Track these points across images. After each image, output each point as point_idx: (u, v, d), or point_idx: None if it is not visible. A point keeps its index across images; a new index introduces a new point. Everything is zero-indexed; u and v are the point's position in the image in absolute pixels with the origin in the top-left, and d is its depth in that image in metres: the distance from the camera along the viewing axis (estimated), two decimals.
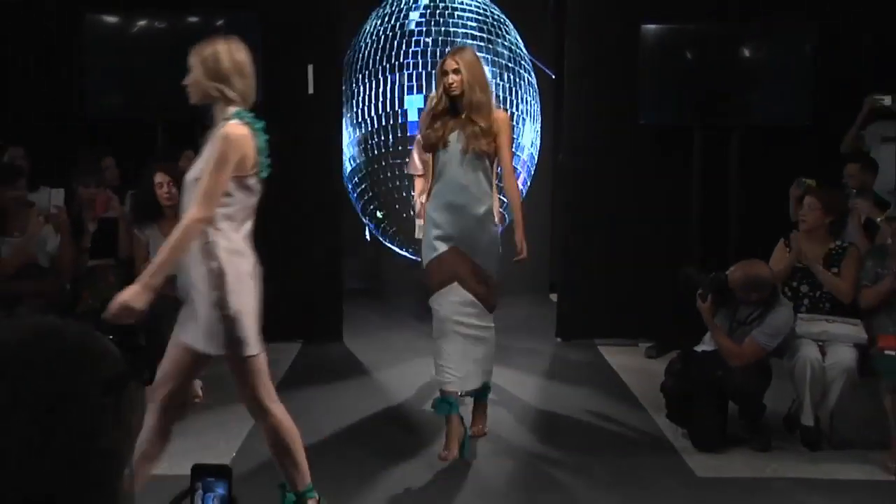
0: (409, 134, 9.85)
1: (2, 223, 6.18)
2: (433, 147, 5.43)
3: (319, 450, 5.28)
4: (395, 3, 9.73)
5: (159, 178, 6.39)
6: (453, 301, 5.37)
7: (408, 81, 9.40)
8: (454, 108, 5.36)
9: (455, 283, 5.35)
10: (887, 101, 7.20)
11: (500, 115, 5.57)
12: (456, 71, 5.28)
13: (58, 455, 1.35)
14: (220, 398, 6.38)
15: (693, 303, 5.80)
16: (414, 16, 9.70)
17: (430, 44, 9.37)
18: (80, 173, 6.96)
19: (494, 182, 5.62)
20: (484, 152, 5.32)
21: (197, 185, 3.90)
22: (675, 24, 7.66)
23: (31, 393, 1.35)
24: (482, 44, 9.19)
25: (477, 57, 5.56)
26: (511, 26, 9.61)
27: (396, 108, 9.42)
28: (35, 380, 1.36)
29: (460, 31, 9.47)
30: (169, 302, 6.15)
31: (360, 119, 9.32)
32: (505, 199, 6.61)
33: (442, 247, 5.37)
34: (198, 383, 6.32)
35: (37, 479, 1.32)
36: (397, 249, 9.13)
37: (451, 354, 5.36)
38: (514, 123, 9.08)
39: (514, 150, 7.22)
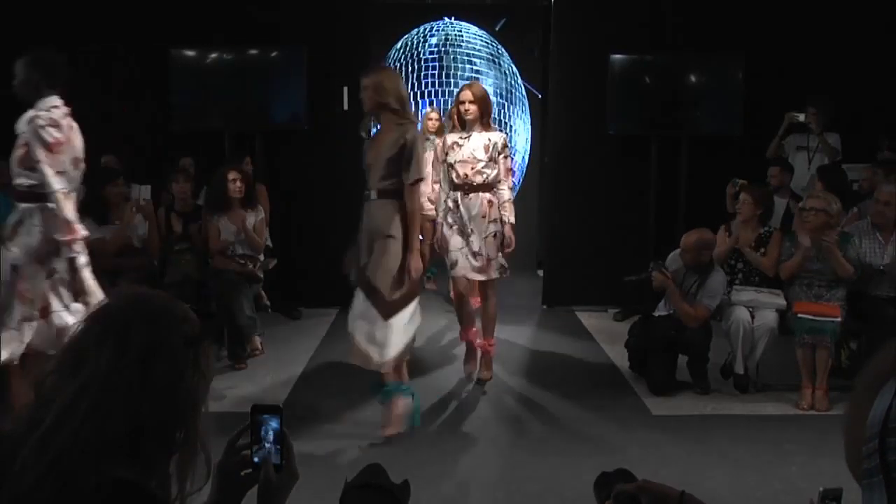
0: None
1: (105, 214, 6.20)
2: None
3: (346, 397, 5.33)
4: (415, 34, 9.73)
5: (232, 175, 6.40)
6: None
7: (426, 97, 9.41)
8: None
9: None
10: (801, 117, 7.18)
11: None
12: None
13: (151, 392, 1.41)
14: (276, 352, 6.44)
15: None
16: (431, 41, 9.69)
17: (443, 67, 9.37)
18: (172, 172, 6.98)
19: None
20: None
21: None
22: (636, 55, 7.63)
23: (131, 345, 1.42)
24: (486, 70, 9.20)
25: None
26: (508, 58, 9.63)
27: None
28: (134, 335, 1.42)
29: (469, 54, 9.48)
30: (235, 277, 6.23)
31: None
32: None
33: None
34: (258, 339, 6.34)
35: (136, 409, 1.39)
36: None
37: None
38: (510, 133, 9.09)
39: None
